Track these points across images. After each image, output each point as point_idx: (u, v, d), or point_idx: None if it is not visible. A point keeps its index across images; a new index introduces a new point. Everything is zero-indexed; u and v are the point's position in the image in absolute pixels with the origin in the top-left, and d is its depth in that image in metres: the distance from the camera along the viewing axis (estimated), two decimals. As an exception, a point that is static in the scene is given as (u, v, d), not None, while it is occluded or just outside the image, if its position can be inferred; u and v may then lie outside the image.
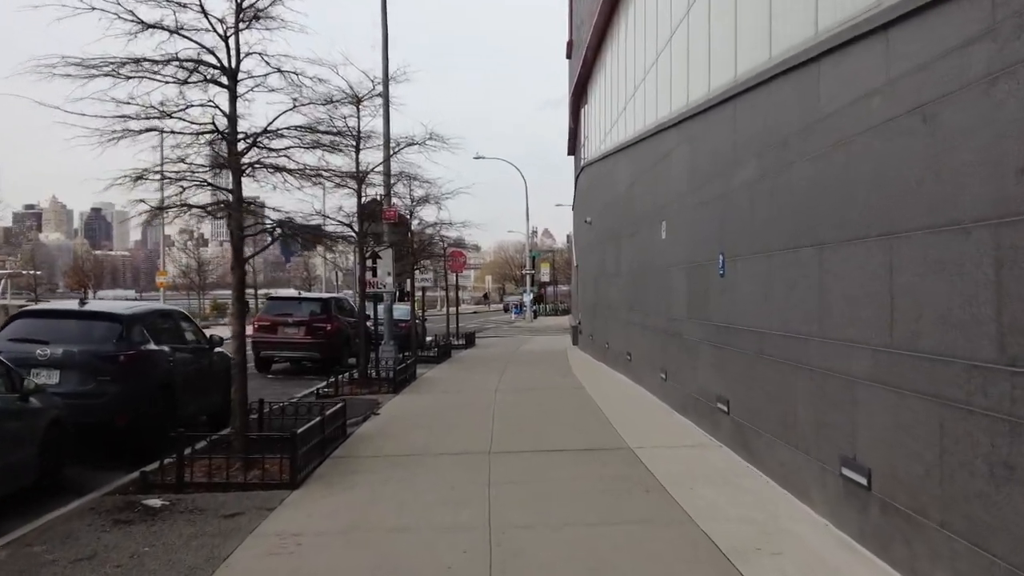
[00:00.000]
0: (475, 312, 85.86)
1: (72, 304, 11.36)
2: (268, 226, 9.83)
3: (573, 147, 37.69)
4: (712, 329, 10.28)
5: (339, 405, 10.41)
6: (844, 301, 6.38)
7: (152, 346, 10.62)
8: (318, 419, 9.13)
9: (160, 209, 9.50)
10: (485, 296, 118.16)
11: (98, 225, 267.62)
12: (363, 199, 16.91)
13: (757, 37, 8.92)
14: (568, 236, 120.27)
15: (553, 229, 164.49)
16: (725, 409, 9.61)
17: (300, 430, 8.49)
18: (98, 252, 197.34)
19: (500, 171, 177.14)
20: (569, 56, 34.59)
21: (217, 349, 12.34)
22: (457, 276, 36.52)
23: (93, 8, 8.41)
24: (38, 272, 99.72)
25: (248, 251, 9.79)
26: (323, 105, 9.55)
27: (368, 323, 18.46)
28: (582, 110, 30.43)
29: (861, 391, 6.07)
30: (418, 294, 27.07)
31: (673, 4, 13.19)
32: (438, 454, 9.70)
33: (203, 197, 9.67)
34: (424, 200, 22.95)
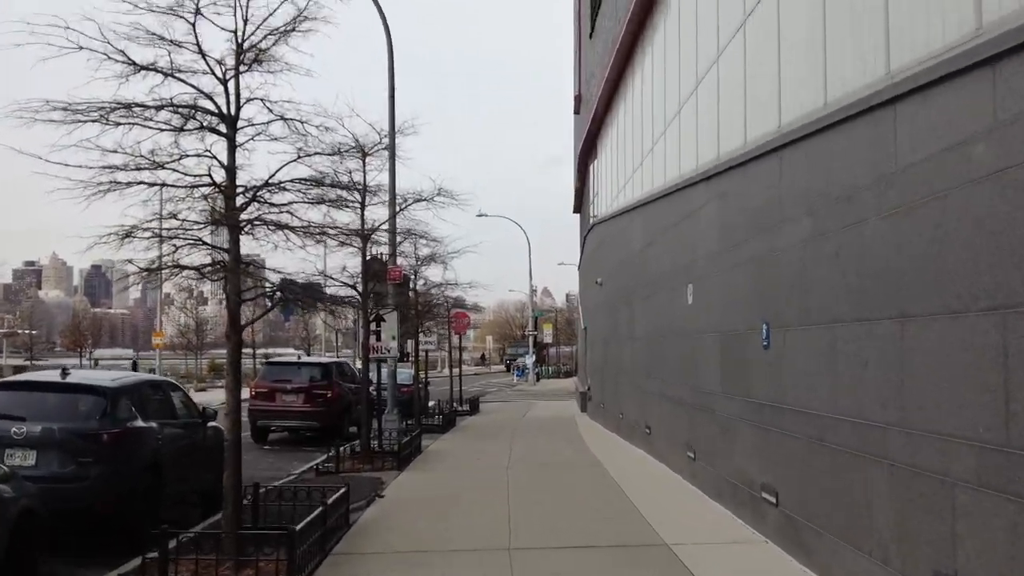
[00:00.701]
0: (476, 374, 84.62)
1: (54, 375, 10.44)
2: (268, 289, 8.94)
3: (579, 205, 37.08)
4: (754, 407, 9.30)
5: (342, 491, 9.37)
6: (937, 386, 5.42)
7: (139, 423, 9.72)
8: (320, 510, 8.09)
9: (149, 271, 8.65)
10: (483, 357, 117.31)
11: (98, 282, 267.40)
12: (367, 257, 16.07)
13: (807, 82, 8.10)
14: (568, 295, 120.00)
15: (553, 288, 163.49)
16: (772, 500, 8.57)
17: (299, 526, 7.44)
18: (97, 310, 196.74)
19: (502, 229, 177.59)
20: (577, 111, 34.10)
21: (210, 423, 11.39)
22: (460, 337, 35.60)
23: (81, 48, 7.65)
24: (34, 331, 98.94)
25: (246, 315, 8.93)
26: (329, 156, 8.74)
27: (370, 387, 17.46)
28: (591, 166, 29.81)
29: (963, 496, 5.09)
30: (421, 356, 26.11)
31: (699, 51, 12.46)
32: (452, 551, 8.55)
33: (198, 256, 8.85)
34: (430, 259, 22.18)
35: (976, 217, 5.01)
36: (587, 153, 29.69)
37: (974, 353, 5.00)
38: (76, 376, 10.38)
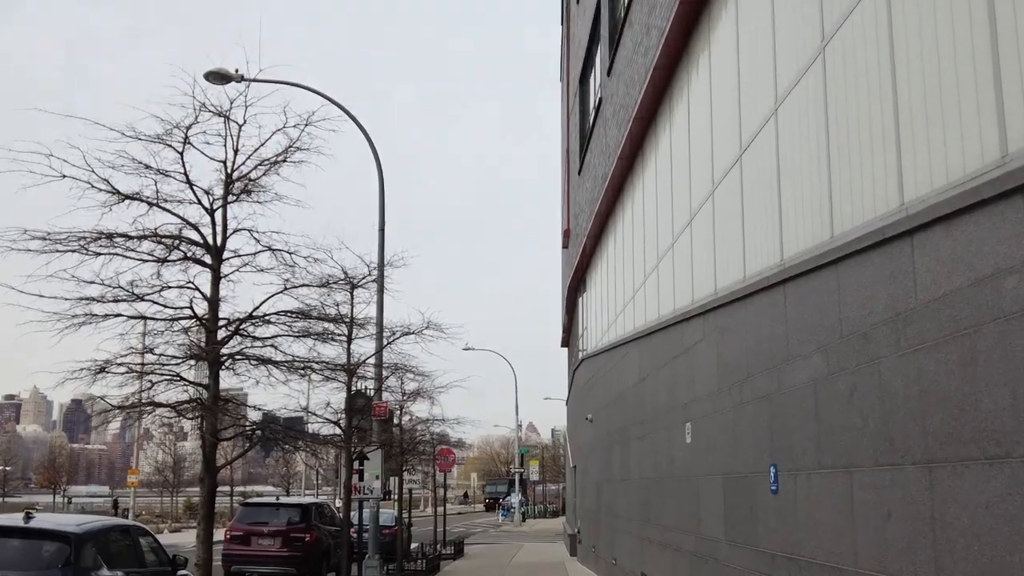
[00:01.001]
0: (459, 513, 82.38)
1: (16, 518, 9.80)
2: (247, 428, 8.46)
3: (567, 339, 36.81)
4: (765, 558, 8.69)
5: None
6: (975, 539, 4.95)
7: (104, 572, 9.06)
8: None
9: (123, 408, 8.20)
10: (466, 495, 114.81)
11: (77, 417, 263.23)
12: (352, 392, 15.57)
13: (811, 213, 7.89)
14: (554, 430, 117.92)
15: (539, 423, 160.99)
16: (791, 658, 7.89)
17: None
18: (75, 445, 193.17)
19: (487, 362, 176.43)
20: (566, 246, 34.23)
21: (180, 572, 10.62)
22: (445, 475, 34.65)
23: (64, 176, 7.42)
24: (9, 468, 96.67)
25: (225, 452, 8.41)
26: (317, 288, 8.44)
27: (351, 529, 16.63)
28: (579, 299, 29.68)
29: (1015, 661, 4.56)
30: (404, 495, 25.21)
31: (693, 185, 12.38)
32: None
33: (175, 393, 8.41)
34: (416, 394, 21.69)
35: (1013, 354, 4.67)
36: (576, 287, 29.64)
37: (1018, 503, 4.56)
38: (40, 520, 9.75)
